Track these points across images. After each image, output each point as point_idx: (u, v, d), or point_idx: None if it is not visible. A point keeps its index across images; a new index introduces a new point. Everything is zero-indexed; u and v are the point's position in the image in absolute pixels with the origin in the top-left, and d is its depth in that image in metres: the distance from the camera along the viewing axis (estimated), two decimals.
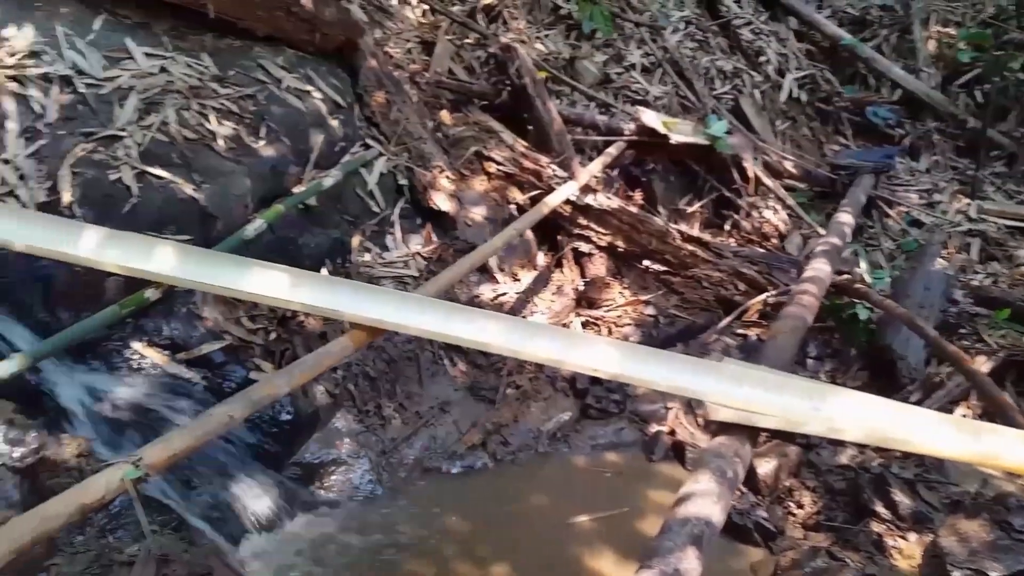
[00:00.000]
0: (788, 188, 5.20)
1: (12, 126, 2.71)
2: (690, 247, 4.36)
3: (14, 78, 2.79)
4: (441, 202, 3.96)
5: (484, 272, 4.00)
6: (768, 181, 5.04)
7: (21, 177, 2.61)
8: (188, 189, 2.97)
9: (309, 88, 3.62)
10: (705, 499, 1.98)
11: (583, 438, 3.69)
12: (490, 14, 5.06)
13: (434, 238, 3.95)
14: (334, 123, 3.68)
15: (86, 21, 3.15)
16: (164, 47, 3.28)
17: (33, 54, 2.89)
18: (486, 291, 3.97)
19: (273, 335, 3.18)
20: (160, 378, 2.83)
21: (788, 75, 6.06)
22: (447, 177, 4.04)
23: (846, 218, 4.62)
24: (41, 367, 2.52)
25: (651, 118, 4.71)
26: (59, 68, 2.89)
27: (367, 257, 3.65)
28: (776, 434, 3.24)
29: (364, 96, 3.94)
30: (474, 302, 3.85)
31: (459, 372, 3.70)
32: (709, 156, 4.86)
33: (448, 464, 3.36)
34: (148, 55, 3.20)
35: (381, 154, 3.87)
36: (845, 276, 4.21)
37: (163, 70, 3.18)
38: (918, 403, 3.48)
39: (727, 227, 4.91)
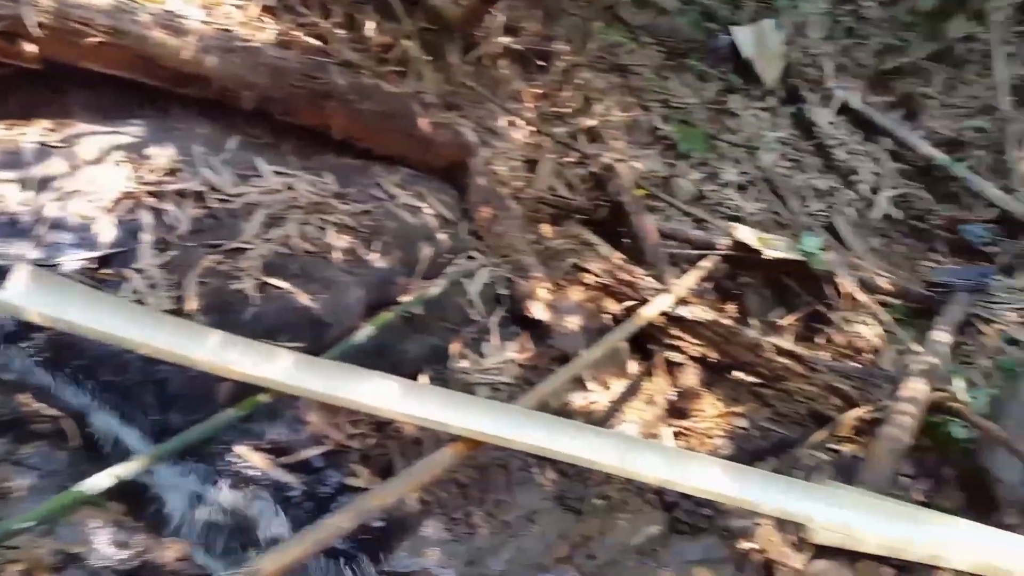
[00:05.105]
0: (882, 304, 4.71)
1: (147, 237, 2.68)
2: (783, 360, 3.94)
3: (152, 193, 2.79)
4: (538, 311, 3.74)
5: (575, 380, 3.71)
6: (862, 297, 4.58)
7: (151, 286, 2.55)
8: (304, 298, 2.86)
9: (421, 204, 3.53)
10: None
11: (671, 553, 3.25)
12: (591, 135, 4.95)
13: (529, 346, 3.71)
14: (442, 236, 3.56)
15: (221, 141, 3.18)
16: (291, 165, 3.27)
17: (171, 171, 2.90)
18: (577, 398, 3.66)
19: (371, 440, 2.97)
20: (261, 482, 2.64)
21: (882, 193, 5.65)
22: (545, 287, 3.83)
23: (942, 336, 4.18)
24: (152, 468, 2.39)
25: (745, 234, 4.40)
26: (193, 184, 2.88)
27: (464, 364, 3.43)
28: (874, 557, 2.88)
29: (471, 211, 3.83)
30: (565, 409, 3.55)
31: (547, 480, 3.37)
32: (803, 272, 4.48)
33: None
34: (276, 173, 3.18)
35: (484, 265, 3.72)
36: (941, 394, 3.73)
37: (289, 187, 3.15)
38: (1018, 526, 3.01)
39: (820, 341, 4.46)
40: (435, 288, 3.32)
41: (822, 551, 2.16)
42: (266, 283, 2.79)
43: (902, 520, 2.22)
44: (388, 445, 3.02)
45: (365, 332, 2.86)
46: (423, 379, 3.23)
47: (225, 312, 2.65)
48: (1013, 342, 4.64)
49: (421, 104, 3.72)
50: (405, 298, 3.28)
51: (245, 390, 2.54)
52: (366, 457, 2.95)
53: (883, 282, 4.86)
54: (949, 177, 5.89)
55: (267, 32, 3.74)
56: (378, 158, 3.60)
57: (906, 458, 3.60)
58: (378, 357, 2.98)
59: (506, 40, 4.69)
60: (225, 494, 2.50)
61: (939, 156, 5.95)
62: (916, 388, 3.39)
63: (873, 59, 6.67)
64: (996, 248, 5.53)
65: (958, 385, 4.17)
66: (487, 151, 4.22)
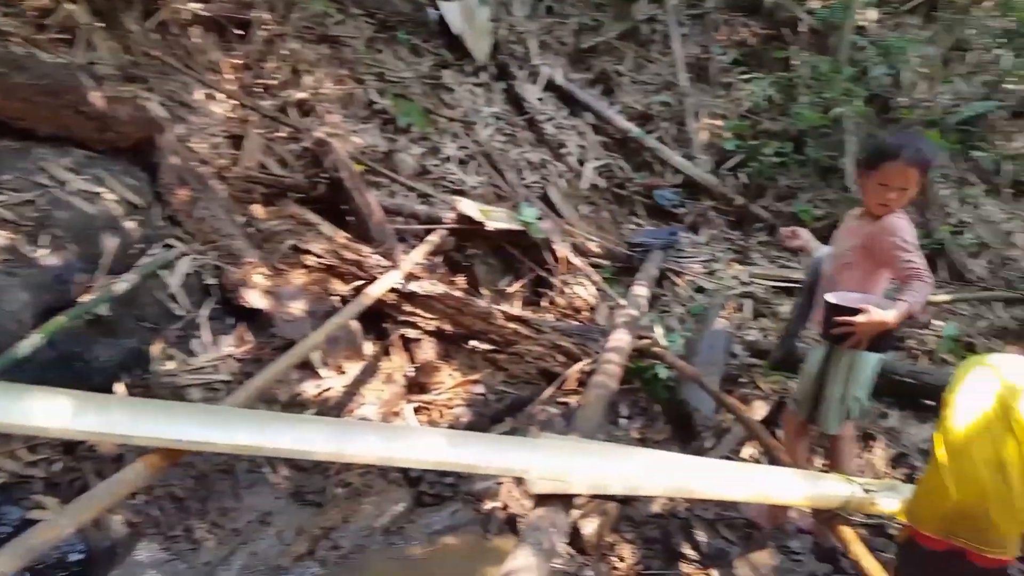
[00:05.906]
0: (594, 265, 5.27)
1: None
2: (512, 325, 4.24)
3: None
4: (255, 299, 3.58)
5: (306, 368, 3.63)
6: (576, 260, 5.08)
7: None
8: None
9: (99, 189, 3.16)
10: (526, 575, 1.93)
11: (418, 527, 3.36)
12: (303, 108, 4.80)
13: (249, 338, 3.54)
14: (130, 224, 3.23)
15: None
16: None
17: None
18: (309, 388, 3.59)
19: (58, 465, 2.63)
20: None
21: (588, 164, 6.25)
22: (261, 273, 3.67)
23: (641, 290, 4.78)
24: None
25: (468, 207, 4.62)
26: None
27: (171, 365, 3.17)
28: (592, 496, 3.22)
29: (165, 194, 3.51)
30: (296, 401, 3.47)
31: (281, 478, 3.28)
32: (524, 240, 4.84)
33: None
34: None
35: (184, 254, 3.44)
36: (645, 341, 4.29)
37: None
38: (712, 448, 3.64)
39: (544, 304, 4.88)
40: (123, 283, 3.01)
41: (543, 499, 2.28)
42: None
43: (602, 459, 2.42)
44: (82, 468, 2.71)
45: (32, 341, 2.51)
46: (119, 388, 2.94)
47: None
48: (700, 290, 5.47)
49: (92, 76, 3.32)
50: (86, 298, 2.94)
51: None
52: (54, 485, 2.62)
53: (593, 246, 5.43)
54: (642, 147, 6.70)
55: None
56: (44, 139, 3.14)
57: (624, 401, 4.12)
58: (59, 370, 2.64)
59: (196, 6, 4.35)
60: None
61: (633, 129, 6.73)
62: (620, 339, 3.79)
63: (572, 38, 7.30)
64: (683, 209, 6.45)
65: (658, 331, 4.85)
66: (181, 127, 3.90)
